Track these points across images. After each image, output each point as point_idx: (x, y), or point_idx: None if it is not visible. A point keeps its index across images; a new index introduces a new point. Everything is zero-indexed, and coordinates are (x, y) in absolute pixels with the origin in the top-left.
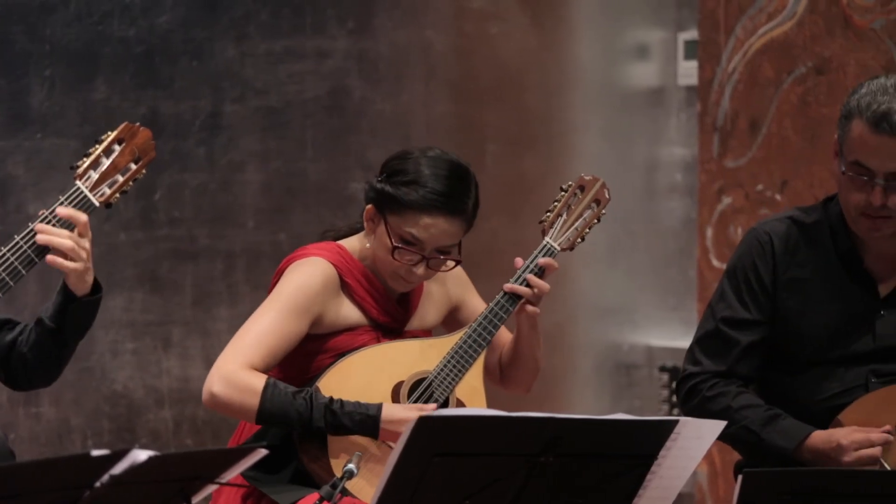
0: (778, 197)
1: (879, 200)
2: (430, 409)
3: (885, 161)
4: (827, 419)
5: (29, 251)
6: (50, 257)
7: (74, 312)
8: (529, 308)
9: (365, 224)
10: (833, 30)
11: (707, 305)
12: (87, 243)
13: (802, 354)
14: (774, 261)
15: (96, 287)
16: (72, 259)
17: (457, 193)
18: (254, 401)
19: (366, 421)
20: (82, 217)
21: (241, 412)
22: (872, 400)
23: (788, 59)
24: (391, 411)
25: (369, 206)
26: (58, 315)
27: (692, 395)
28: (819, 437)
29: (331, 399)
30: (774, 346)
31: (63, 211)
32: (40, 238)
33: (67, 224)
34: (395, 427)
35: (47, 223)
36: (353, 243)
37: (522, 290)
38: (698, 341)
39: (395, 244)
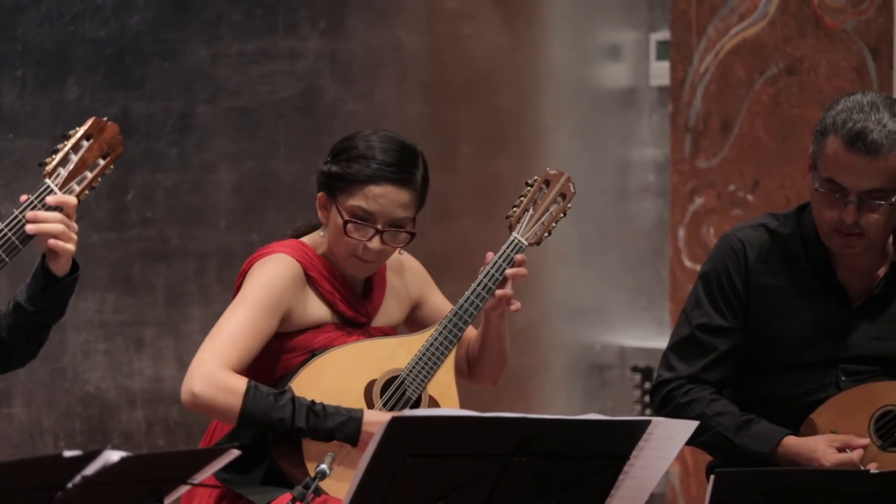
0: (750, 197)
1: (852, 218)
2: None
3: (859, 179)
4: (801, 417)
5: (13, 238)
6: (52, 241)
7: (57, 293)
8: (514, 307)
9: (319, 213)
10: (804, 30)
11: (682, 311)
12: (75, 225)
13: (774, 360)
14: (747, 268)
15: (74, 266)
16: (64, 241)
17: (404, 164)
18: (236, 402)
19: (348, 425)
20: (72, 200)
21: (222, 413)
22: (843, 400)
23: (760, 59)
24: (373, 417)
25: (320, 194)
26: (38, 298)
27: (667, 402)
28: (794, 444)
29: (313, 402)
30: (747, 350)
31: (52, 199)
32: (30, 227)
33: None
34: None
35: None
36: (313, 239)
37: (500, 292)
38: (673, 347)
39: (347, 219)
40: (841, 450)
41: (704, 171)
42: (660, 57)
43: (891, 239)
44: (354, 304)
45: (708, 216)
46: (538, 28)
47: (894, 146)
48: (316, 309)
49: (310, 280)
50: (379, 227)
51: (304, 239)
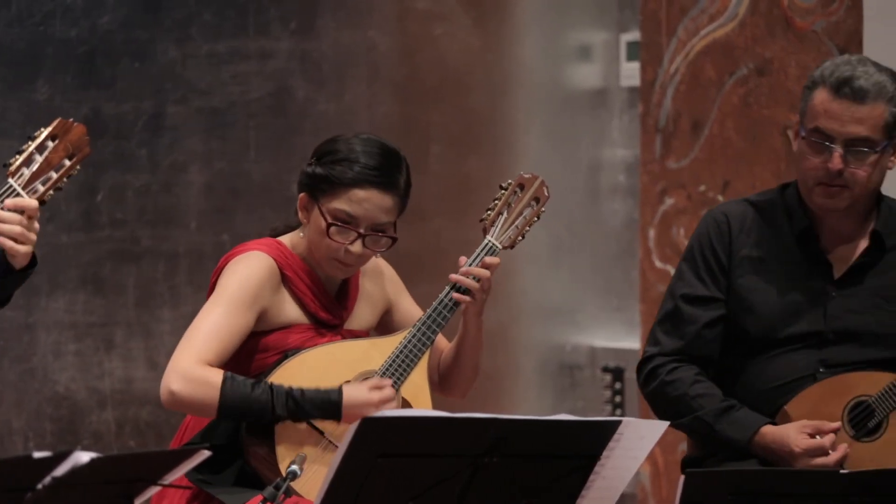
0: (720, 198)
1: (837, 165)
2: (387, 383)
3: (846, 125)
4: (777, 406)
5: None
6: (9, 244)
7: (10, 283)
8: (458, 296)
9: (299, 213)
10: (774, 31)
11: (667, 289)
12: (36, 225)
13: (753, 332)
14: (731, 238)
15: (33, 259)
16: (21, 243)
17: (388, 168)
18: (214, 394)
19: (328, 405)
20: (32, 203)
21: (201, 408)
22: (818, 391)
23: (730, 60)
24: (352, 394)
25: (302, 195)
26: None
27: (651, 379)
28: (770, 433)
29: (291, 388)
30: (727, 324)
31: (10, 202)
32: None
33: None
34: (357, 410)
35: None
36: (290, 239)
37: (466, 281)
38: (659, 322)
39: (330, 222)
40: (812, 435)
41: (675, 171)
42: (630, 58)
43: (874, 212)
44: (328, 306)
45: (678, 216)
46: (509, 29)
47: (880, 95)
48: (290, 309)
49: (285, 279)
50: (361, 230)
51: (282, 239)
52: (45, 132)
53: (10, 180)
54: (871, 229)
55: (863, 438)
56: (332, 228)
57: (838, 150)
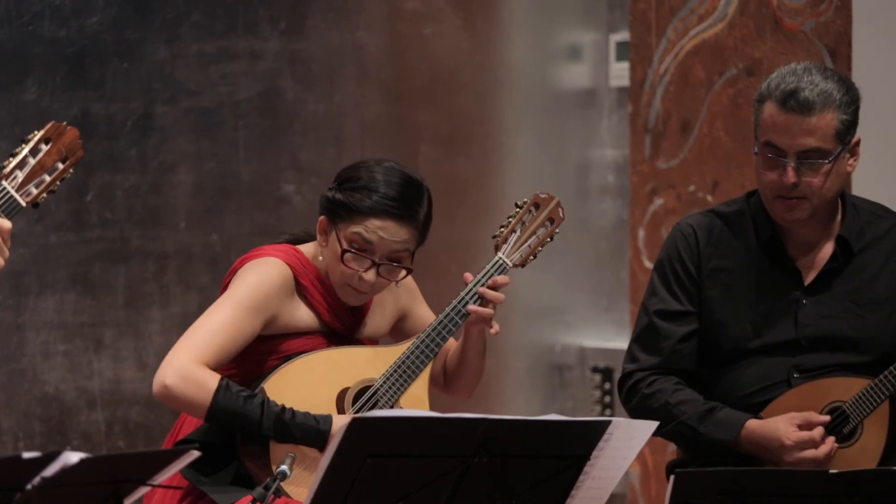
0: (709, 198)
1: (791, 179)
2: None
3: (796, 138)
4: (753, 413)
5: None
6: None
7: None
8: (493, 330)
9: (318, 236)
10: (763, 32)
11: (640, 305)
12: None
13: (726, 344)
14: (699, 251)
15: None
16: None
17: (407, 200)
18: (206, 397)
19: (315, 435)
20: (5, 225)
21: (191, 407)
22: (794, 397)
23: (719, 60)
24: (341, 424)
25: (322, 218)
26: None
27: (633, 394)
28: (758, 427)
29: (283, 408)
30: (701, 338)
31: None
32: None
33: None
34: None
35: None
36: (309, 249)
37: (482, 311)
38: (636, 339)
39: (346, 248)
40: (801, 427)
41: (664, 171)
42: (619, 58)
43: (839, 216)
44: (342, 315)
45: (668, 217)
46: (498, 29)
47: (826, 104)
48: (303, 316)
49: (300, 287)
50: (376, 259)
51: (301, 247)
52: (39, 135)
53: (4, 183)
54: (836, 234)
55: (838, 443)
56: (347, 255)
57: (791, 164)
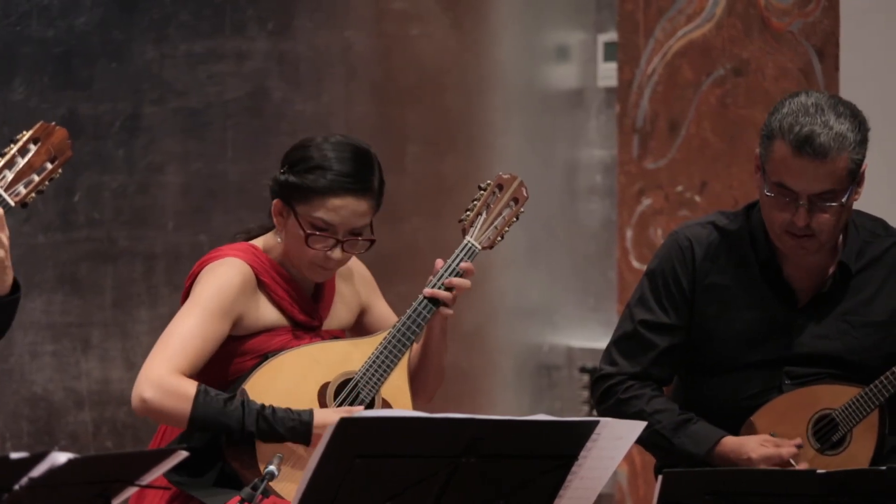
0: (697, 198)
1: (804, 221)
2: (359, 409)
3: (810, 183)
4: (742, 420)
5: None
6: None
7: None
8: (444, 310)
9: (274, 220)
10: (751, 32)
11: (626, 306)
12: (3, 238)
13: (717, 358)
14: (694, 266)
15: (15, 286)
16: None
17: (362, 173)
18: (185, 406)
19: (298, 428)
20: None
21: (172, 418)
22: (784, 403)
23: (707, 61)
24: (323, 417)
25: (276, 201)
26: None
27: (607, 397)
28: (729, 444)
29: (263, 406)
30: (692, 349)
31: None
32: None
33: None
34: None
35: None
36: (265, 242)
37: (441, 293)
38: (616, 342)
39: (308, 231)
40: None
41: (652, 171)
42: (607, 58)
43: (840, 238)
44: (306, 307)
45: (656, 217)
46: (486, 29)
47: (842, 148)
48: (268, 313)
49: (261, 284)
50: (339, 237)
51: (257, 242)
52: (27, 135)
53: None
54: (837, 259)
55: (827, 452)
56: (311, 238)
57: (803, 206)
